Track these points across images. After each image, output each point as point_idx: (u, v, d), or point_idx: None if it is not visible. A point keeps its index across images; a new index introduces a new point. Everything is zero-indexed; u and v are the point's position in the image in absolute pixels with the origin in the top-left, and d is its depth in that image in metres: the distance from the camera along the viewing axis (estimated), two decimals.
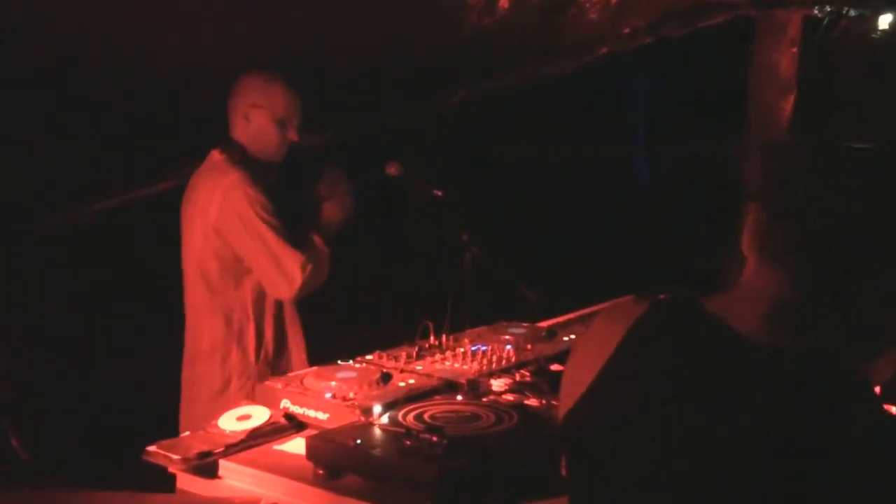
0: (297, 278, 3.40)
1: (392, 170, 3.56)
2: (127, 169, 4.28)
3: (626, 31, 4.83)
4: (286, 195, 3.60)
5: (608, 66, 5.17)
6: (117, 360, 4.41)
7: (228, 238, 3.45)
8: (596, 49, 4.92)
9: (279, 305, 3.59)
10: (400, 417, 2.38)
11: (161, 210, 3.94)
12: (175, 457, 2.43)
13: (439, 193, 3.52)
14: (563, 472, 1.54)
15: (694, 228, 6.33)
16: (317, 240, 3.54)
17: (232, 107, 3.59)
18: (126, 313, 4.48)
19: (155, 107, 3.80)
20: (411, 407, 2.46)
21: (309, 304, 3.64)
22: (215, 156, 3.58)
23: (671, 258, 6.07)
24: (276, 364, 3.58)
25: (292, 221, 3.51)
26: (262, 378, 3.27)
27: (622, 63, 5.63)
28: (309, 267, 3.41)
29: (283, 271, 3.40)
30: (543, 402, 2.55)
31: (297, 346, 3.65)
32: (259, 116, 3.55)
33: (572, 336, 3.18)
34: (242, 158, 3.53)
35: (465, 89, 4.94)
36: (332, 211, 3.64)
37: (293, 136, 3.59)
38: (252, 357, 3.54)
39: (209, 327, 3.53)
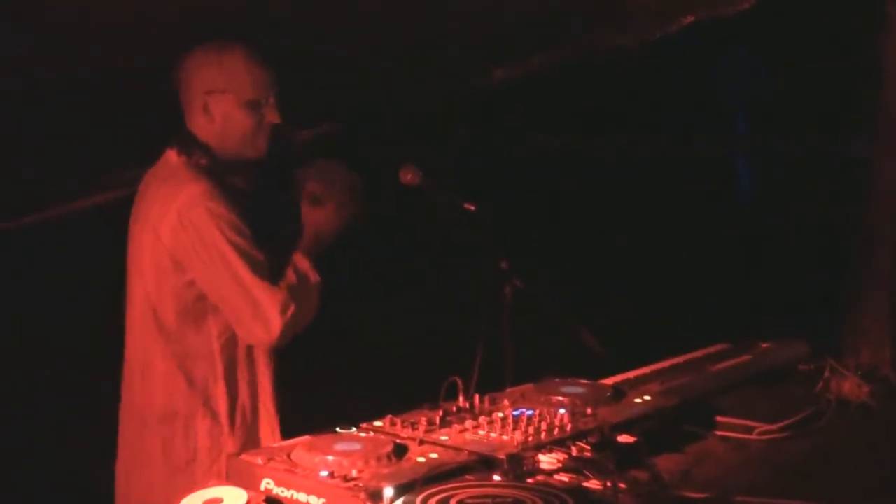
0: (276, 323, 3.42)
1: (408, 176, 3.54)
2: (55, 174, 4.34)
3: None
4: (266, 205, 3.62)
5: (695, 37, 5.19)
6: (33, 413, 4.47)
7: (188, 269, 3.48)
8: (678, 15, 4.94)
9: (251, 354, 3.62)
10: None
11: (100, 229, 3.99)
12: None
13: (471, 207, 3.51)
14: None
15: (806, 252, 6.34)
16: (302, 264, 3.55)
17: (184, 97, 3.60)
18: (46, 361, 4.55)
19: (91, 92, 3.85)
20: (433, 490, 2.47)
21: (294, 349, 3.64)
22: (171, 157, 3.58)
23: (776, 291, 6.08)
24: (255, 431, 3.61)
25: (275, 242, 3.54)
26: (240, 449, 3.30)
27: (714, 34, 5.65)
28: (291, 309, 3.43)
29: (259, 314, 3.42)
30: (608, 484, 2.58)
31: (266, 407, 3.66)
32: (222, 104, 3.55)
33: (646, 397, 3.20)
34: (208, 161, 3.55)
35: (502, 68, 4.97)
36: (326, 218, 3.65)
37: (272, 116, 3.58)
38: (225, 423, 3.56)
39: (165, 383, 3.55)
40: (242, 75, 3.55)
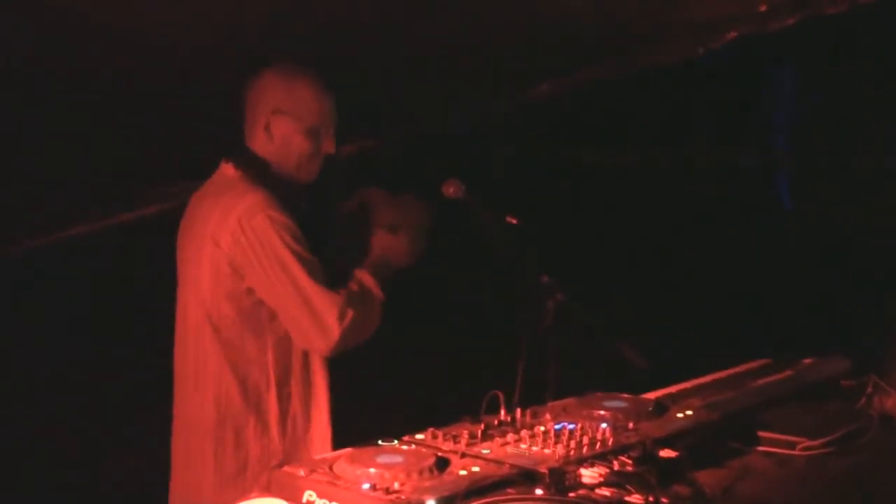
0: (334, 329, 3.44)
1: (451, 189, 3.54)
2: (104, 187, 4.37)
3: (763, 7, 4.84)
4: (320, 223, 3.65)
5: (738, 53, 5.18)
6: (87, 424, 4.50)
7: (247, 275, 3.51)
8: (721, 32, 4.93)
9: (307, 363, 3.63)
10: None
11: (149, 239, 4.02)
12: None
13: (514, 221, 3.52)
14: None
15: (849, 268, 6.29)
16: (366, 279, 3.58)
17: (248, 114, 3.66)
18: (103, 367, 4.57)
19: (142, 109, 3.88)
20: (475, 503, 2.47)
21: (337, 362, 3.67)
22: (228, 171, 3.64)
23: (818, 307, 6.04)
24: (306, 441, 3.63)
25: (329, 257, 3.56)
26: (291, 460, 3.31)
27: (757, 50, 5.63)
28: (350, 314, 3.45)
29: (317, 319, 3.45)
30: (650, 499, 2.57)
31: (320, 418, 3.68)
32: (284, 125, 3.61)
33: (688, 412, 3.19)
34: (265, 176, 3.59)
35: (549, 82, 4.97)
36: (398, 246, 3.70)
37: (329, 147, 3.65)
38: (275, 434, 3.58)
39: (218, 392, 3.57)
40: (309, 101, 3.61)
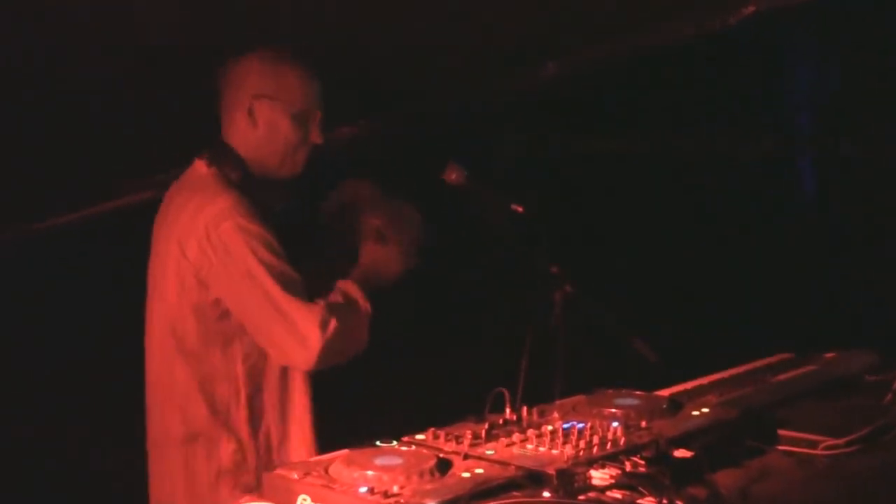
0: (316, 339, 3.38)
1: (452, 175, 3.54)
2: (82, 175, 4.37)
3: None
4: (302, 226, 3.62)
5: (756, 29, 5.17)
6: (63, 435, 4.50)
7: (213, 288, 3.47)
8: (738, 6, 4.93)
9: (283, 376, 3.61)
10: None
11: (122, 237, 4.01)
12: None
13: (519, 209, 3.51)
14: None
15: (873, 257, 6.29)
16: (352, 290, 3.53)
17: (228, 100, 3.61)
18: (76, 370, 4.58)
19: (120, 93, 3.88)
20: None
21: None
22: (201, 168, 3.59)
23: (842, 298, 6.04)
24: (283, 455, 3.62)
25: (309, 262, 3.53)
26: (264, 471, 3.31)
27: (777, 25, 5.61)
28: (333, 323, 3.40)
29: (295, 332, 3.40)
30: (664, 501, 2.57)
31: (298, 434, 3.66)
32: (269, 111, 3.57)
33: (704, 410, 3.18)
34: (241, 175, 3.54)
35: (557, 62, 4.96)
36: (388, 258, 3.67)
37: (316, 137, 3.61)
38: (250, 446, 3.58)
39: (185, 407, 3.56)
40: (295, 85, 3.57)
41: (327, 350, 3.41)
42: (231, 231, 3.41)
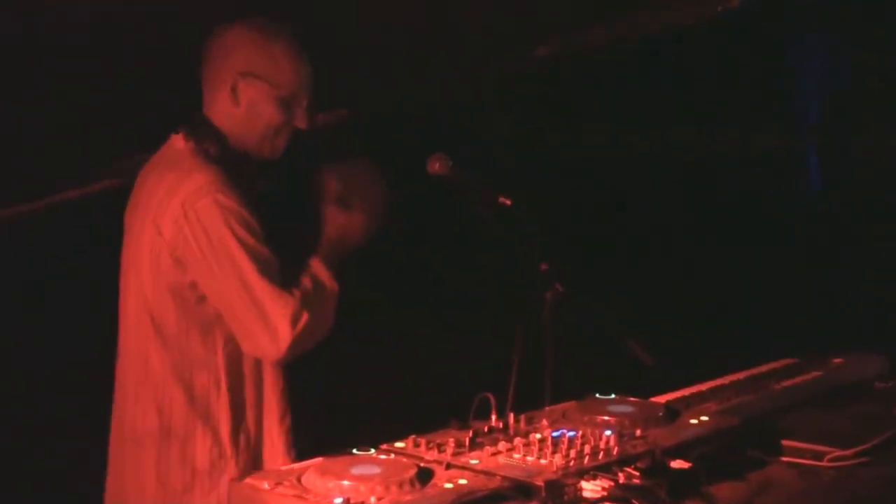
0: (285, 334, 3.36)
1: (436, 165, 3.50)
2: (45, 162, 4.35)
3: None
4: (279, 205, 3.60)
5: (761, 12, 5.17)
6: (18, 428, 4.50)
7: (190, 268, 3.45)
8: None
9: (258, 364, 3.58)
10: None
11: (94, 221, 4.00)
12: None
13: (507, 202, 3.47)
14: None
15: (883, 257, 6.31)
16: (320, 271, 3.52)
17: (210, 73, 3.57)
18: (34, 366, 4.57)
19: (84, 75, 3.86)
20: None
21: (303, 359, 3.58)
22: (178, 143, 3.55)
23: (849, 300, 6.05)
24: (258, 456, 3.59)
25: (288, 246, 3.51)
26: (242, 474, 3.27)
27: (782, 13, 5.62)
28: (304, 318, 3.38)
29: (266, 322, 3.38)
30: None
31: (271, 427, 3.62)
32: (253, 90, 3.52)
33: (703, 418, 3.17)
34: (220, 151, 3.52)
35: (547, 45, 4.96)
36: (352, 224, 3.62)
37: (301, 121, 3.57)
38: (227, 443, 3.53)
39: (161, 398, 3.52)
40: (285, 66, 3.52)
41: (296, 344, 3.40)
42: (209, 207, 3.37)
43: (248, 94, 3.52)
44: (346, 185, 3.63)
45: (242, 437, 3.55)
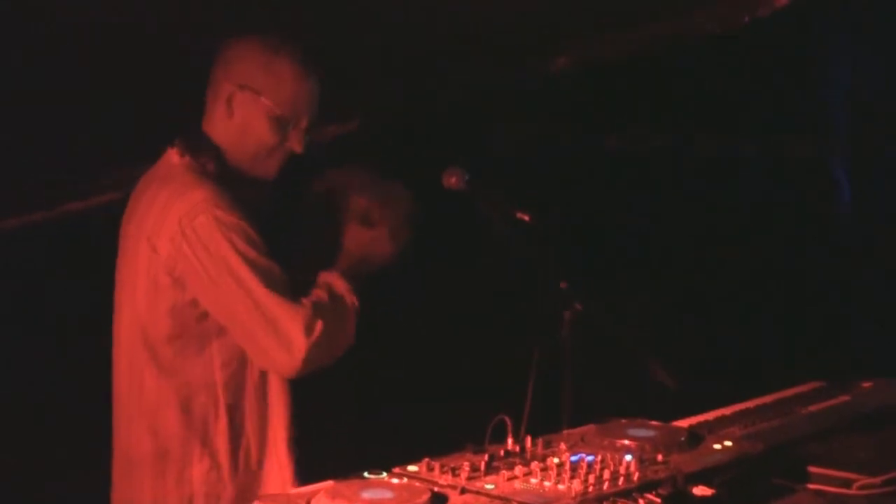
0: (301, 344, 3.38)
1: (452, 180, 3.53)
2: (41, 174, 4.37)
3: None
4: (277, 220, 3.61)
5: (789, 22, 5.18)
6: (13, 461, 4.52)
7: (190, 286, 3.47)
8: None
9: (262, 381, 3.60)
10: None
11: (88, 238, 4.00)
12: None
13: (525, 217, 3.50)
14: None
15: None
16: (337, 284, 3.53)
17: (212, 84, 3.60)
18: (29, 389, 4.59)
19: (82, 86, 3.88)
20: None
21: (308, 378, 3.60)
22: (173, 158, 3.58)
23: (880, 322, 6.04)
24: (259, 478, 3.60)
25: (289, 259, 3.52)
26: (243, 498, 3.29)
27: (811, 19, 5.62)
28: (319, 326, 3.39)
29: (279, 334, 3.39)
30: None
31: (275, 450, 3.64)
32: (249, 105, 3.54)
33: (727, 443, 3.18)
34: (217, 166, 3.54)
35: (566, 55, 4.97)
36: (376, 242, 3.64)
37: (296, 144, 3.58)
38: (226, 466, 3.56)
39: (155, 420, 3.54)
40: (286, 85, 3.54)
41: (313, 354, 3.40)
42: (207, 224, 3.39)
43: (243, 107, 3.54)
44: (373, 201, 3.64)
45: (242, 459, 3.56)
